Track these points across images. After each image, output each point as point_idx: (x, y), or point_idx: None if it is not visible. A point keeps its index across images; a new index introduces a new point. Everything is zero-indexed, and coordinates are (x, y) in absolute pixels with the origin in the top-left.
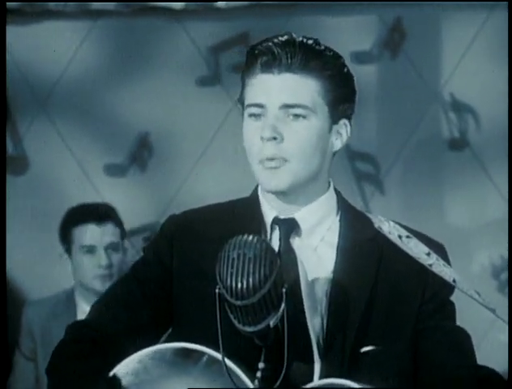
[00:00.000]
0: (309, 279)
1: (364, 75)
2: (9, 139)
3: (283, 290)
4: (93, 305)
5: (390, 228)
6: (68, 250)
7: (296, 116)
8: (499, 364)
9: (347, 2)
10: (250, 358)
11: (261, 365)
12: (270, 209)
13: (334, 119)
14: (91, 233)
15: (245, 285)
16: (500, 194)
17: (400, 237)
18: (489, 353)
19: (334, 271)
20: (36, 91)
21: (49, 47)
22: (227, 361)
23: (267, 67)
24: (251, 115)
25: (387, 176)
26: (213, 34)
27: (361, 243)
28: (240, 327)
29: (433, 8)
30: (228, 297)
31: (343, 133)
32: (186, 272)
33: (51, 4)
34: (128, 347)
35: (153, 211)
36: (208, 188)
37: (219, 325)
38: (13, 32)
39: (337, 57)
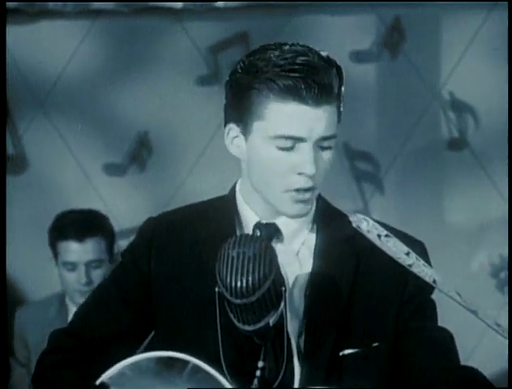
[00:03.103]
0: (291, 283)
1: (363, 75)
2: (8, 139)
3: (283, 289)
4: (75, 311)
5: (368, 227)
6: (55, 259)
7: (325, 148)
8: (499, 364)
9: (346, 2)
10: (249, 358)
11: (260, 364)
12: (251, 213)
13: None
14: (71, 251)
15: (244, 284)
16: (499, 193)
17: (379, 236)
18: (489, 353)
19: (312, 274)
20: (36, 91)
21: (49, 47)
22: (210, 368)
23: (299, 96)
24: (281, 148)
25: (387, 175)
26: (212, 34)
27: (339, 243)
28: (239, 325)
29: (432, 7)
30: (228, 296)
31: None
32: (165, 276)
33: (50, 4)
34: (110, 353)
35: (152, 211)
36: (208, 187)
37: (219, 324)
38: (13, 32)
39: (338, 65)
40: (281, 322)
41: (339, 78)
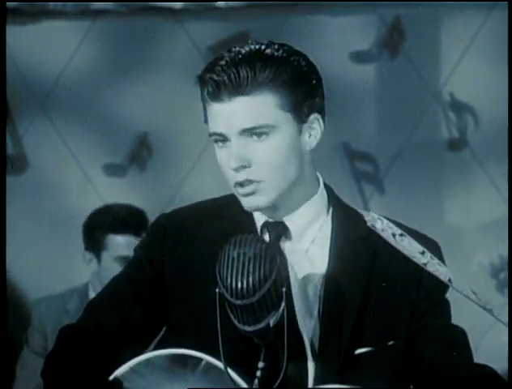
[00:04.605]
0: (302, 281)
1: (363, 75)
2: (8, 139)
3: (283, 289)
4: (86, 307)
5: (383, 226)
6: (96, 254)
7: (259, 135)
8: (499, 364)
9: (346, 2)
10: (250, 358)
11: (261, 364)
12: (260, 213)
13: (302, 119)
14: (129, 245)
15: (245, 285)
16: (499, 193)
17: (394, 235)
18: (489, 353)
19: (327, 272)
20: (36, 91)
21: (49, 47)
22: (223, 365)
23: (215, 96)
24: (216, 141)
25: (386, 175)
26: (212, 34)
27: (354, 242)
28: (240, 326)
29: (432, 7)
30: (228, 297)
31: (316, 128)
32: (178, 273)
33: (50, 4)
34: (122, 349)
35: (152, 211)
36: (208, 187)
37: (219, 325)
38: (12, 32)
39: (288, 54)
40: (292, 322)
41: (260, 69)
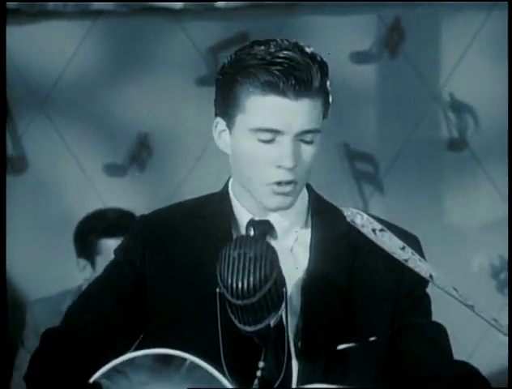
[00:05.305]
0: (287, 281)
1: (363, 75)
2: (8, 139)
3: (284, 290)
4: (67, 309)
5: (363, 222)
6: (89, 260)
7: (309, 138)
8: (499, 364)
9: (346, 2)
10: (250, 358)
11: (261, 364)
12: (243, 210)
13: (321, 127)
14: None
15: (245, 285)
16: (499, 194)
17: (374, 230)
18: (489, 353)
19: (308, 269)
20: (35, 91)
21: (49, 47)
22: (207, 365)
23: (279, 90)
24: (262, 141)
25: (386, 176)
26: (212, 34)
27: (334, 238)
28: (240, 326)
29: (432, 7)
30: (229, 297)
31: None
32: (160, 274)
33: (50, 4)
34: (104, 351)
35: None
36: (207, 188)
37: (220, 325)
38: (12, 33)
39: (324, 62)
40: (281, 322)
41: (322, 74)
